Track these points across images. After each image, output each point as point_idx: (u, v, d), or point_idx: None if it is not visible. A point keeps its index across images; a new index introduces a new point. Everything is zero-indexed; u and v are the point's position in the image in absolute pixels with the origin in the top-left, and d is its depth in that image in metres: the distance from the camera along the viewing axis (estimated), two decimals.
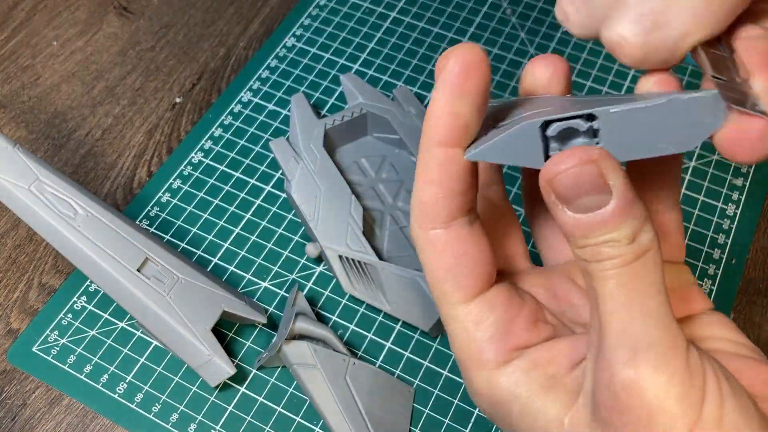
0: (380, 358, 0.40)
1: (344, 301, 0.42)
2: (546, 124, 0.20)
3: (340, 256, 0.41)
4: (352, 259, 0.41)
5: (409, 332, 0.41)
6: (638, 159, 0.20)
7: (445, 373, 0.40)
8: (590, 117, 0.19)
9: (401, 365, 0.40)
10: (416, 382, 0.39)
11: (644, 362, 0.19)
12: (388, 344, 0.41)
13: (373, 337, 0.41)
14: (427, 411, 0.39)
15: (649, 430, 0.19)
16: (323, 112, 0.50)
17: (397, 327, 0.41)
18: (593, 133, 0.20)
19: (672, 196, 0.25)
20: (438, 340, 0.41)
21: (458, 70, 0.21)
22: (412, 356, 0.40)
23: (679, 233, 0.25)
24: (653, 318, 0.20)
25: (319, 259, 0.43)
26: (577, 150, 0.19)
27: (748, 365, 0.22)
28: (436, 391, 0.39)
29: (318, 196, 0.43)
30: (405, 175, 0.46)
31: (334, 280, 0.43)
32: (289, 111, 0.50)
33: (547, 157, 0.20)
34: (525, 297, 0.25)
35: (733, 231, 0.44)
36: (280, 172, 0.46)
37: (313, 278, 0.43)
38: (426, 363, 0.40)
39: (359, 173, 0.46)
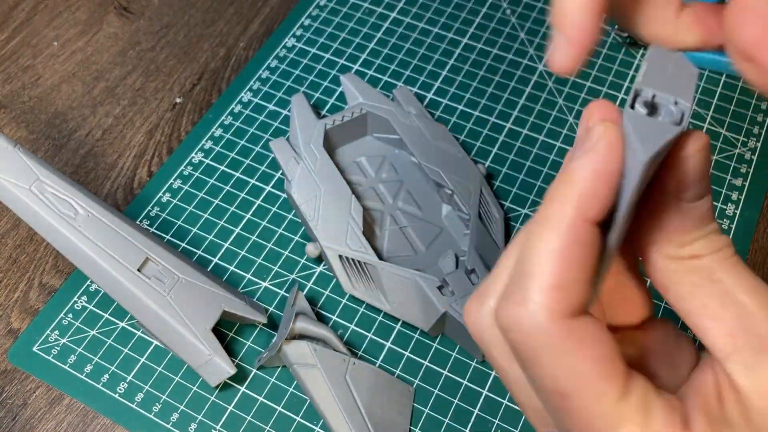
0: (380, 358, 0.40)
1: (344, 301, 0.42)
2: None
3: (340, 256, 0.41)
4: (352, 259, 0.41)
5: (409, 332, 0.41)
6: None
7: (445, 372, 0.40)
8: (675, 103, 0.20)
9: (401, 365, 0.40)
10: (416, 382, 0.39)
11: None
12: (388, 344, 0.41)
13: (373, 337, 0.41)
14: (427, 411, 0.39)
15: None
16: (323, 112, 0.50)
17: (397, 327, 0.41)
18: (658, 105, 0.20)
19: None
20: (438, 340, 0.41)
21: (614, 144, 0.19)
22: (412, 356, 0.40)
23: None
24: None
25: (320, 259, 0.43)
26: (697, 133, 0.20)
27: None
28: (436, 391, 0.39)
29: (318, 196, 0.43)
30: (405, 175, 0.46)
31: (334, 280, 0.43)
32: (289, 111, 0.50)
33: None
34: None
35: (732, 231, 0.44)
36: (280, 172, 0.46)
37: (313, 278, 0.43)
38: (426, 363, 0.40)
39: (359, 173, 0.46)
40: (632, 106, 0.20)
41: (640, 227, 0.21)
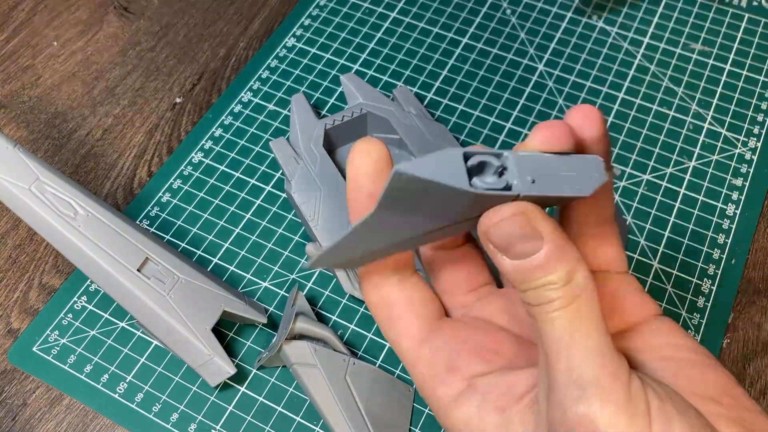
0: (380, 358, 0.40)
1: (344, 301, 0.42)
2: (467, 157, 0.22)
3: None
4: None
5: None
6: (548, 197, 0.22)
7: None
8: (499, 156, 0.22)
9: (401, 365, 0.40)
10: None
11: (592, 398, 0.21)
12: (388, 344, 0.41)
13: (373, 337, 0.41)
14: (426, 411, 0.39)
15: None
16: (323, 112, 0.50)
17: None
18: (501, 171, 0.22)
19: (605, 210, 0.26)
20: None
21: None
22: None
23: (617, 244, 0.26)
24: (594, 354, 0.21)
25: None
26: (508, 205, 0.21)
27: (698, 369, 0.23)
28: None
29: (318, 197, 0.43)
30: None
31: (334, 280, 0.43)
32: (289, 111, 0.50)
33: (470, 179, 0.21)
34: (477, 328, 0.26)
35: (732, 231, 0.44)
36: (280, 172, 0.46)
37: (313, 278, 0.43)
38: None
39: None
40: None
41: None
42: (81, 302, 0.42)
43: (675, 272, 0.43)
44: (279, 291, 0.43)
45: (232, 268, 0.44)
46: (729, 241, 0.44)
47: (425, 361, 0.25)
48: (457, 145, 0.46)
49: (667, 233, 0.44)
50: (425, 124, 0.46)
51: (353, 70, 0.52)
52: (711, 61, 0.52)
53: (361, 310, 0.42)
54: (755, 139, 0.48)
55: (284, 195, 0.46)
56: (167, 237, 0.45)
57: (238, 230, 0.45)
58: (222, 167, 0.48)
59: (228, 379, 0.39)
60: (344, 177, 0.43)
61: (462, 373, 0.24)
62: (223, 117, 0.50)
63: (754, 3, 0.55)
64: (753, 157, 0.47)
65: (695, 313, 0.41)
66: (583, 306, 0.21)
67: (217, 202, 0.46)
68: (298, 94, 0.48)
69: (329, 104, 0.50)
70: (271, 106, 0.50)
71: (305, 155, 0.44)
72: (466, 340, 0.25)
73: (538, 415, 0.23)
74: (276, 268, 0.43)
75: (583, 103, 0.50)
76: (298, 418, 0.38)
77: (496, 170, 0.22)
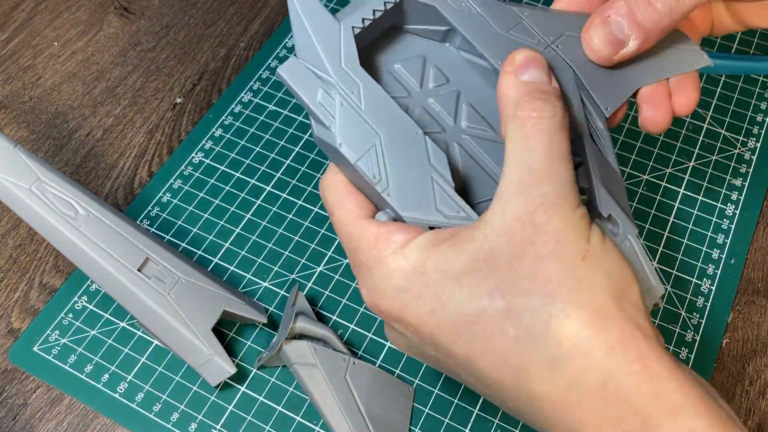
0: (380, 358, 0.40)
1: (344, 301, 0.42)
2: None
3: (431, 228, 0.28)
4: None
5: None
6: None
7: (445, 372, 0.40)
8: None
9: (401, 365, 0.40)
10: (416, 381, 0.40)
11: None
12: (388, 344, 0.41)
13: (373, 336, 0.41)
14: (426, 411, 0.39)
15: (556, 254, 0.24)
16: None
17: None
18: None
19: None
20: None
21: None
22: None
23: None
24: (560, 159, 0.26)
25: None
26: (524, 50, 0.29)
27: None
28: (436, 391, 0.39)
29: (378, 146, 0.29)
30: (459, 81, 0.33)
31: (335, 280, 0.43)
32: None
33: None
34: None
35: (732, 231, 0.44)
36: (303, 114, 0.37)
37: (313, 278, 0.43)
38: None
39: (399, 89, 0.32)
40: None
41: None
42: (81, 302, 0.42)
43: (674, 272, 0.43)
44: (279, 291, 0.43)
45: (232, 268, 0.44)
46: (728, 241, 0.44)
47: (375, 223, 0.29)
48: (535, 36, 0.32)
49: (666, 233, 0.44)
50: (490, 9, 0.32)
51: None
52: None
53: (361, 309, 0.42)
54: (754, 139, 0.48)
55: (284, 195, 0.46)
56: (167, 237, 0.45)
57: (238, 230, 0.45)
58: (222, 167, 0.48)
59: (228, 378, 0.39)
60: (400, 105, 0.30)
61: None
62: (224, 117, 0.50)
63: None
64: (752, 157, 0.48)
65: (695, 313, 0.41)
66: (551, 128, 0.27)
67: (217, 202, 0.46)
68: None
69: None
70: (271, 107, 0.51)
71: (341, 84, 0.30)
72: None
73: None
74: (276, 268, 0.43)
75: None
76: (299, 418, 0.39)
77: None
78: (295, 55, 0.31)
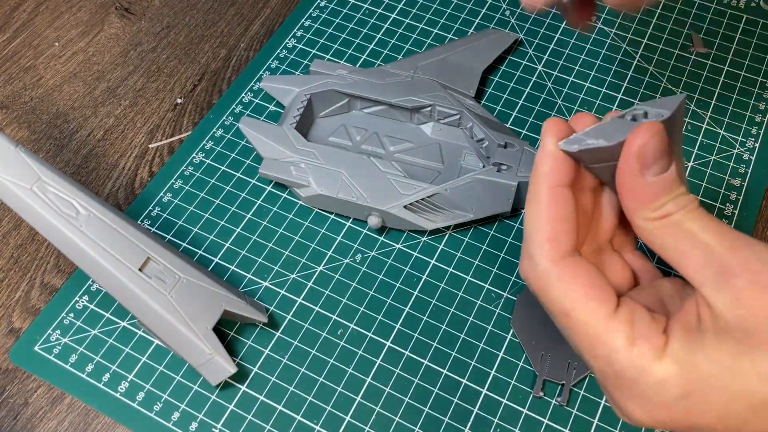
0: (380, 358, 0.40)
1: (344, 301, 0.42)
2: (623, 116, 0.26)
3: (406, 206, 0.43)
4: (416, 201, 0.42)
5: (408, 331, 0.41)
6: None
7: (445, 372, 0.40)
8: (646, 114, 0.26)
9: (401, 364, 0.40)
10: (416, 380, 0.40)
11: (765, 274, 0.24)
12: (388, 343, 0.41)
13: (373, 336, 0.41)
14: (426, 410, 0.39)
15: None
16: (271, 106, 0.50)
17: (397, 326, 0.41)
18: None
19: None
20: (437, 339, 0.41)
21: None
22: (411, 355, 0.40)
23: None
24: (739, 237, 0.25)
25: (382, 229, 0.45)
26: (649, 124, 0.25)
27: None
28: (435, 390, 0.39)
29: (345, 178, 0.43)
30: (373, 126, 0.48)
31: (335, 280, 0.43)
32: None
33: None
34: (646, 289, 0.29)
35: None
36: (287, 192, 0.47)
37: (314, 278, 0.43)
38: (425, 362, 0.40)
39: (340, 146, 0.47)
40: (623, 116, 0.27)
41: (624, 200, 0.26)
42: (82, 302, 0.43)
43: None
44: (279, 291, 0.43)
45: (232, 267, 0.44)
46: None
47: (626, 322, 0.26)
48: (404, 68, 0.49)
49: None
50: (363, 73, 0.48)
51: None
52: (709, 62, 0.52)
53: (361, 309, 0.42)
54: (753, 139, 0.48)
55: (284, 194, 0.47)
56: (168, 237, 0.45)
57: (238, 230, 0.45)
58: (223, 167, 0.48)
59: (229, 378, 0.39)
60: (335, 144, 0.47)
61: (660, 323, 0.26)
62: (224, 117, 0.50)
63: (753, 4, 0.56)
64: (751, 157, 0.48)
65: None
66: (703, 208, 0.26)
67: (218, 202, 0.46)
68: (243, 117, 0.46)
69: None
70: (271, 107, 0.51)
71: (301, 157, 0.44)
72: (647, 296, 0.28)
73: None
74: (276, 268, 0.44)
75: (581, 105, 0.50)
76: (299, 417, 0.39)
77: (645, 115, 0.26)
78: (261, 158, 0.46)
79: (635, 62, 0.52)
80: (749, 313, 0.23)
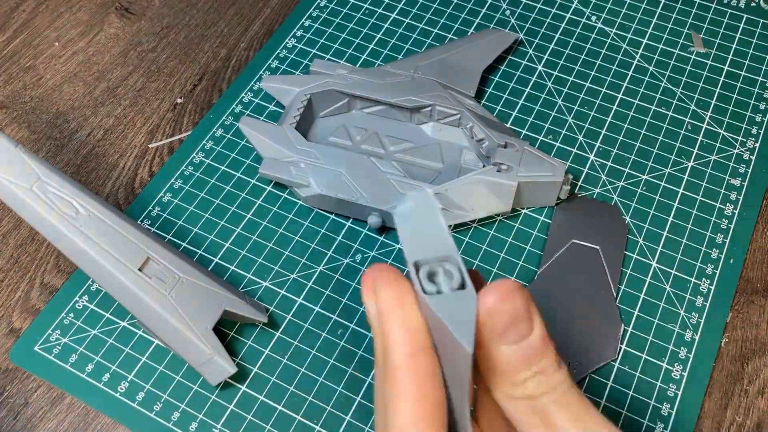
0: None
1: (344, 301, 0.42)
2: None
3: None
4: None
5: None
6: None
7: None
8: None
9: None
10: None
11: None
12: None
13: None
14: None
15: None
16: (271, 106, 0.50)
17: None
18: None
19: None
20: None
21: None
22: None
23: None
24: (605, 425, 0.21)
25: (382, 229, 0.45)
26: (502, 283, 0.20)
27: None
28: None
29: (344, 177, 0.43)
30: (374, 126, 0.48)
31: (335, 280, 0.43)
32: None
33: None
34: None
35: (731, 231, 0.45)
36: (287, 192, 0.47)
37: (313, 278, 0.43)
38: None
39: (340, 146, 0.47)
40: (423, 290, 0.21)
41: (480, 370, 0.22)
42: (82, 302, 0.43)
43: (673, 272, 0.43)
44: (279, 291, 0.43)
45: (232, 267, 0.44)
46: (727, 241, 0.44)
47: None
48: (404, 68, 0.48)
49: (665, 233, 0.44)
50: (363, 73, 0.48)
51: None
52: (709, 62, 0.52)
53: (362, 309, 0.42)
54: (753, 139, 0.48)
55: (284, 194, 0.46)
56: (168, 237, 0.45)
57: (238, 230, 0.45)
58: (223, 167, 0.48)
59: (229, 378, 0.39)
60: (335, 144, 0.47)
61: None
62: (224, 117, 0.50)
63: (753, 4, 0.56)
64: (751, 157, 0.48)
65: (694, 313, 0.42)
66: (575, 386, 0.21)
67: (218, 202, 0.46)
68: (244, 117, 0.46)
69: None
70: (271, 107, 0.51)
71: (300, 156, 0.44)
72: None
73: None
74: (276, 268, 0.44)
75: (581, 104, 0.50)
76: (299, 417, 0.39)
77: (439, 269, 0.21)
78: (262, 157, 0.45)
79: (635, 62, 0.52)
80: None
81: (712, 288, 0.42)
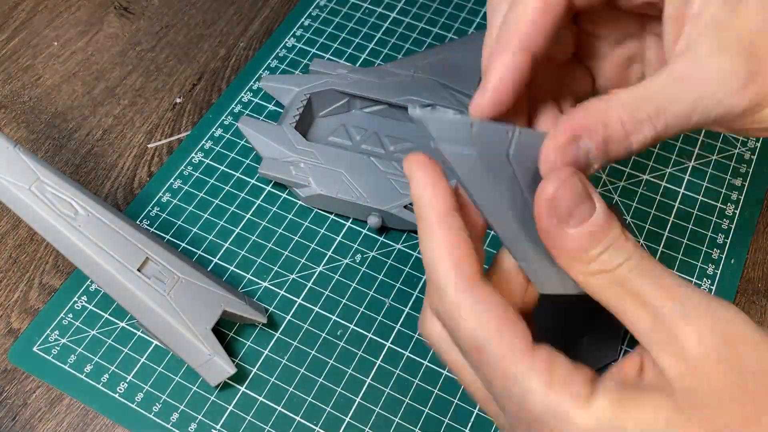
0: (380, 358, 0.40)
1: (344, 301, 0.42)
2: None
3: (406, 206, 0.43)
4: None
5: (408, 332, 0.41)
6: None
7: (445, 372, 0.40)
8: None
9: (401, 364, 0.40)
10: (416, 381, 0.40)
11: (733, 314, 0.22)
12: (388, 344, 0.41)
13: (373, 337, 0.41)
14: (426, 411, 0.39)
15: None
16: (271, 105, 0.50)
17: (397, 326, 0.41)
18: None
19: None
20: None
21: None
22: (411, 356, 0.40)
23: None
24: (693, 295, 0.22)
25: (382, 229, 0.44)
26: (559, 171, 0.22)
27: None
28: (435, 391, 0.39)
29: (345, 178, 0.43)
30: (373, 126, 0.48)
31: (334, 280, 0.43)
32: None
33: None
34: None
35: (732, 231, 0.44)
36: (287, 192, 0.46)
37: (313, 278, 0.43)
38: (426, 363, 0.40)
39: (340, 146, 0.47)
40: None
41: (552, 254, 0.23)
42: (81, 302, 0.42)
43: (674, 272, 0.43)
44: (279, 291, 0.43)
45: (232, 268, 0.44)
46: (728, 241, 0.44)
47: (545, 362, 0.23)
48: (404, 67, 0.48)
49: (666, 233, 0.44)
50: (362, 73, 0.48)
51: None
52: None
53: (361, 309, 0.42)
54: (754, 139, 0.48)
55: (284, 195, 0.46)
56: (167, 237, 0.45)
57: (238, 230, 0.45)
58: (222, 167, 0.48)
59: (228, 378, 0.39)
60: (335, 144, 0.46)
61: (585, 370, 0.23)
62: (223, 117, 0.50)
63: None
64: (752, 157, 0.48)
65: None
66: (646, 252, 0.22)
67: (217, 202, 0.46)
68: (243, 117, 0.46)
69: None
70: (271, 107, 0.51)
71: (300, 156, 0.44)
72: None
73: None
74: (276, 268, 0.43)
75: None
76: (298, 418, 0.39)
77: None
78: (262, 156, 0.45)
79: None
80: (699, 384, 0.21)
81: (713, 288, 0.42)
